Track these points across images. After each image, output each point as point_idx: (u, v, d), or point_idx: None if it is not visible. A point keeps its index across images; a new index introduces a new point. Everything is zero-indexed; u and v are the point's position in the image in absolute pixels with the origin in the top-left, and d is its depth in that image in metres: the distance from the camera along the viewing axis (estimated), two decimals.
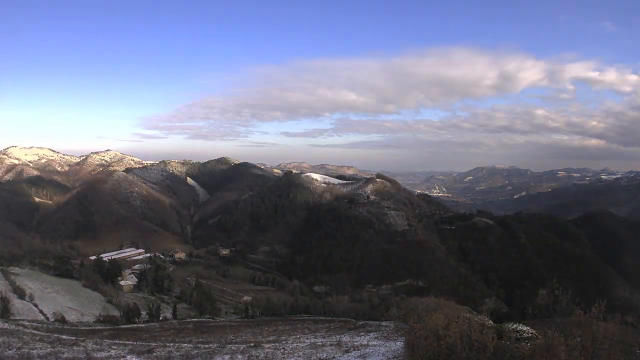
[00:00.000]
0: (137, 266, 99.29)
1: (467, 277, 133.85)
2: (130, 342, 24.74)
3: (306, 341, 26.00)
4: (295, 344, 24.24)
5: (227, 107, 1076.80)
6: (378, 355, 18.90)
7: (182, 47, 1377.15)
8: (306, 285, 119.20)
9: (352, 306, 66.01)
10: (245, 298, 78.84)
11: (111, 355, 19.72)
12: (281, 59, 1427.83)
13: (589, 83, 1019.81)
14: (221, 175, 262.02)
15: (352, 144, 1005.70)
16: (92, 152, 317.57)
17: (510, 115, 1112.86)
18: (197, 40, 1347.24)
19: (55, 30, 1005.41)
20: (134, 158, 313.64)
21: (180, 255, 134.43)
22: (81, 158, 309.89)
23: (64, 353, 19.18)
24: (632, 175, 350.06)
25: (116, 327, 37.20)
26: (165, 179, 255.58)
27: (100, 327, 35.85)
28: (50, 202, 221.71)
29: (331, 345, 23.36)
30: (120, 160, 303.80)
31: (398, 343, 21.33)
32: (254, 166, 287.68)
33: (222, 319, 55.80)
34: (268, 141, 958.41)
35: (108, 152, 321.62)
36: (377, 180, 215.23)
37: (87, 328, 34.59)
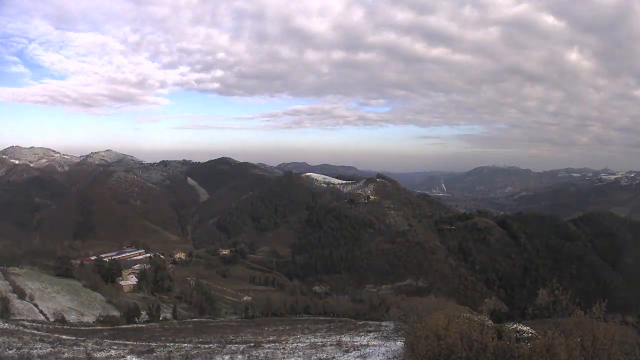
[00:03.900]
0: (137, 266, 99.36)
1: (467, 277, 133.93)
2: (130, 342, 24.76)
3: (306, 341, 26.02)
4: (295, 344, 24.25)
5: None
6: (378, 355, 18.91)
7: None
8: (306, 285, 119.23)
9: (352, 306, 65.99)
10: (245, 298, 78.96)
11: (111, 355, 19.72)
12: None
13: None
14: (221, 175, 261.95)
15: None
16: (92, 152, 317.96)
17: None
18: None
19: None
20: (134, 158, 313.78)
21: (180, 255, 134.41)
22: (81, 158, 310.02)
23: (64, 353, 19.18)
24: (632, 175, 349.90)
25: (116, 327, 37.23)
26: (165, 179, 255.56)
27: (100, 327, 35.88)
28: (50, 202, 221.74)
29: (331, 345, 23.37)
30: (120, 160, 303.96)
31: (398, 343, 21.34)
32: (254, 166, 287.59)
33: (222, 319, 55.87)
34: None
35: (108, 152, 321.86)
36: (377, 180, 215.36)
37: (87, 328, 34.62)
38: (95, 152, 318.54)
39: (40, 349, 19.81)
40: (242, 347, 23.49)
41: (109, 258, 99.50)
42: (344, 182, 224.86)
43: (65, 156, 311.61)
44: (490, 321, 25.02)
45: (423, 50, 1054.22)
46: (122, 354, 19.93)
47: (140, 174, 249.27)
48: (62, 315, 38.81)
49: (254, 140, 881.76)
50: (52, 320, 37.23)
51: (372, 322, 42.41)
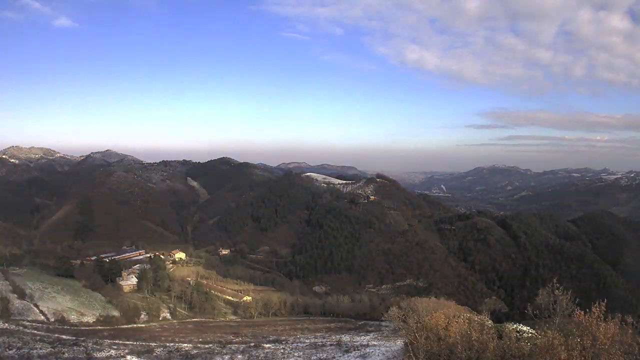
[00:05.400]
0: (137, 266, 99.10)
1: (467, 277, 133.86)
2: (130, 342, 24.76)
3: (306, 341, 26.02)
4: (295, 344, 24.25)
5: None
6: (378, 356, 18.90)
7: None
8: (306, 285, 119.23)
9: (352, 306, 66.08)
10: (245, 298, 78.86)
11: (111, 355, 19.72)
12: None
13: None
14: (221, 175, 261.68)
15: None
16: (92, 152, 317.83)
17: None
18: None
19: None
20: (134, 158, 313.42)
21: (180, 255, 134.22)
22: (81, 158, 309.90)
23: (64, 353, 19.18)
24: (632, 175, 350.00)
25: (116, 327, 37.25)
26: (165, 179, 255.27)
27: (100, 327, 35.88)
28: (50, 202, 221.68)
29: (331, 345, 23.37)
30: (120, 160, 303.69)
31: (398, 343, 21.34)
32: (254, 166, 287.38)
33: (222, 319, 55.96)
34: None
35: (108, 152, 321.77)
36: (377, 180, 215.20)
37: (87, 328, 34.61)
38: (95, 152, 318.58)
39: (40, 349, 19.81)
40: (242, 347, 23.49)
41: (109, 258, 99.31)
42: (344, 182, 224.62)
43: (65, 156, 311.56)
44: (490, 321, 25.02)
45: None
46: (122, 354, 19.93)
47: (140, 174, 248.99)
48: (62, 315, 38.83)
49: (254, 140, 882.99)
50: (52, 320, 37.24)
51: (372, 322, 42.45)
